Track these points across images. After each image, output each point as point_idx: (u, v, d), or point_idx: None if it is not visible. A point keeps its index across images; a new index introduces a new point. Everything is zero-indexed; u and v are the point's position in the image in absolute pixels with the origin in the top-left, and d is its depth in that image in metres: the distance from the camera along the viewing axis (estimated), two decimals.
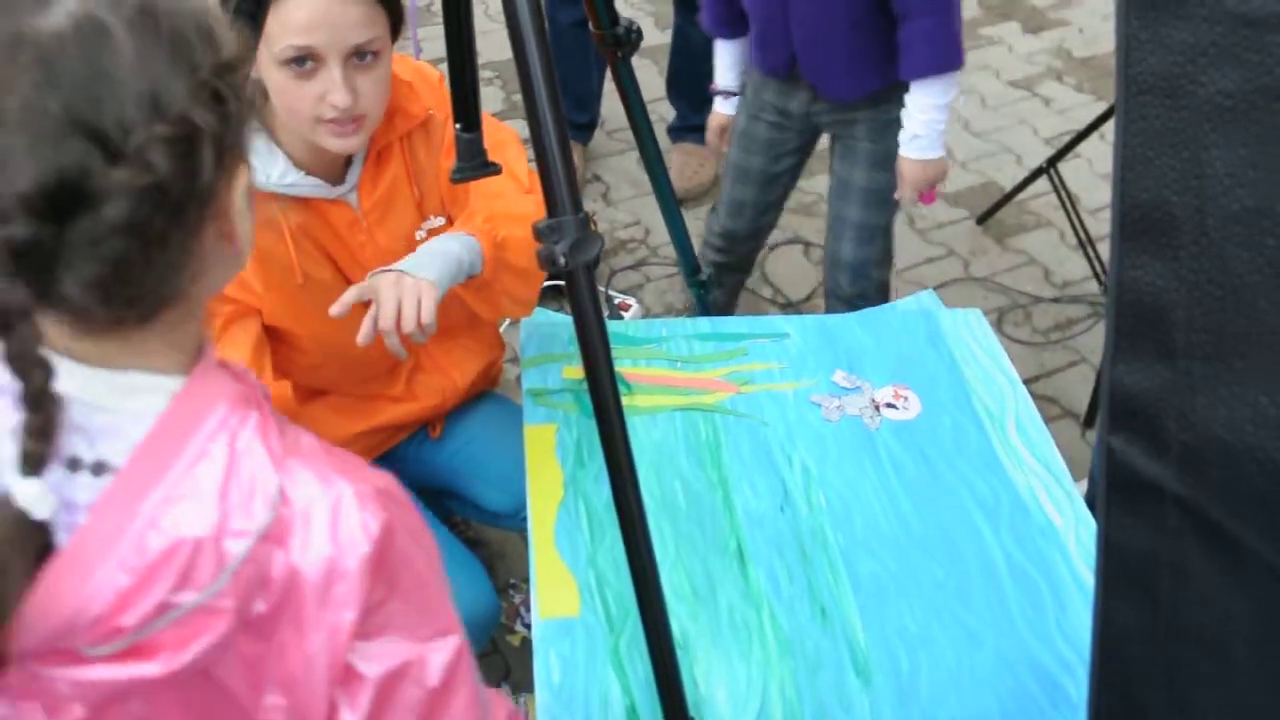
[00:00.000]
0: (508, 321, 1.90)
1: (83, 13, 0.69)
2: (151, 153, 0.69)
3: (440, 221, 1.62)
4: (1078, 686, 1.33)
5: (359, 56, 1.39)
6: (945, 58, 2.07)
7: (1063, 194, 2.93)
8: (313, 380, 1.69)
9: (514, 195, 1.53)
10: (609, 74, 1.58)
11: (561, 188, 1.04)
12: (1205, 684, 0.57)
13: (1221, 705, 0.56)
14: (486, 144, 1.36)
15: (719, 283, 2.41)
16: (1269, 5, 0.46)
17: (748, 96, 2.29)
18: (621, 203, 3.28)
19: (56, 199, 0.67)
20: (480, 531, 2.26)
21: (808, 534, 1.50)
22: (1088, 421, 2.58)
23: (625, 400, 1.68)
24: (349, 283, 1.50)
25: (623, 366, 1.74)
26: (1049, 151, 3.22)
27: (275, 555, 0.76)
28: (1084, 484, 2.29)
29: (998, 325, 2.83)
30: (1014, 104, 3.80)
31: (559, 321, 1.82)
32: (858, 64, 2.09)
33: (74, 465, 0.75)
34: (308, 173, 1.49)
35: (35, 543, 0.72)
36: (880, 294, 2.34)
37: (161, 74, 0.70)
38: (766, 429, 1.65)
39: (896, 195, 2.18)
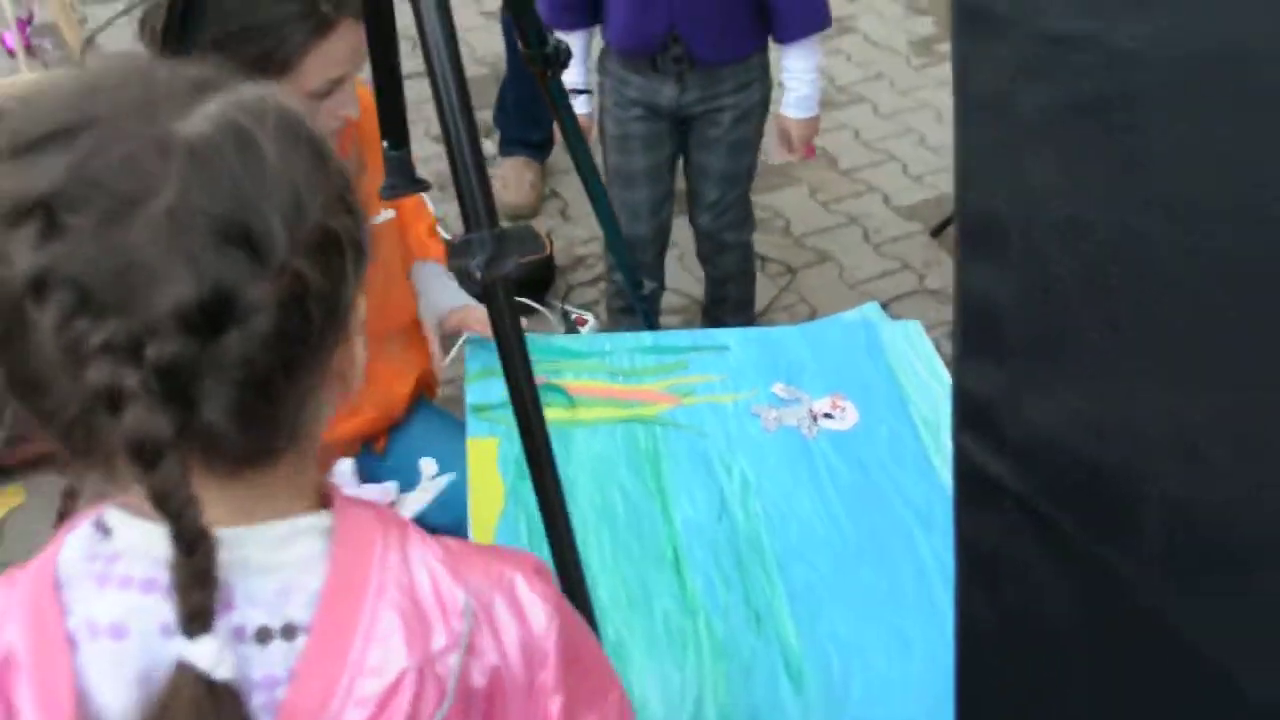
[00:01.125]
0: (461, 339, 1.94)
1: (227, 119, 0.65)
2: (300, 261, 0.64)
3: (390, 214, 1.69)
4: None
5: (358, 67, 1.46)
6: (816, 17, 2.24)
7: None
8: None
9: None
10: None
11: (477, 202, 1.06)
12: (1049, 676, 0.59)
13: (1062, 697, 0.59)
14: None
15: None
16: (1072, 24, 0.49)
17: (607, 98, 2.35)
18: (580, 219, 3.30)
19: (211, 312, 0.61)
20: None
21: (744, 542, 1.52)
22: None
23: (567, 413, 1.72)
24: None
25: (565, 380, 1.77)
26: None
27: (474, 664, 0.73)
28: None
29: (950, 337, 2.88)
30: None
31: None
32: (733, 25, 2.21)
33: (263, 637, 0.69)
34: None
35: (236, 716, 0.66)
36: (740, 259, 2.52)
37: (305, 180, 0.66)
38: (706, 440, 1.67)
39: (785, 157, 2.36)
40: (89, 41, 1.35)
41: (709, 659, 1.38)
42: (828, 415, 1.72)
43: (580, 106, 2.35)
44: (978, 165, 0.56)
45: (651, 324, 2.20)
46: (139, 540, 0.69)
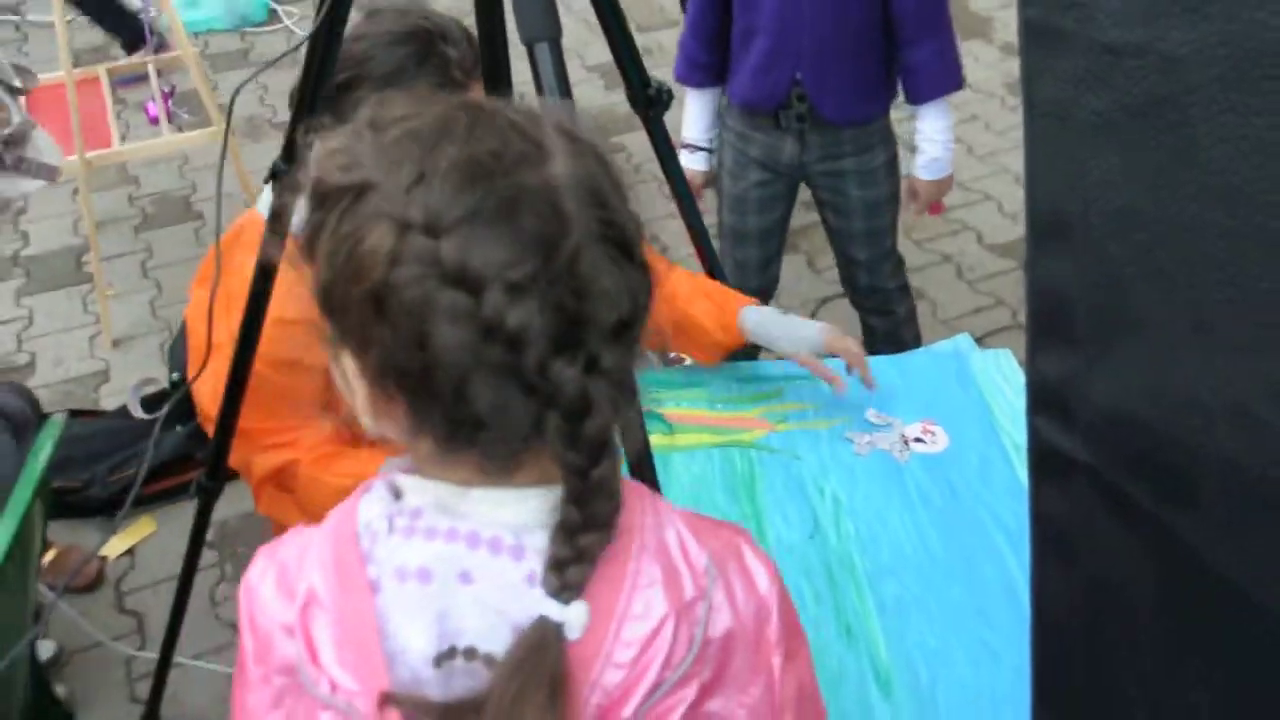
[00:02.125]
0: None
1: (574, 154, 0.75)
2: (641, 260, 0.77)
3: None
4: None
5: None
6: (953, 78, 2.22)
7: None
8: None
9: None
10: None
11: None
12: (1124, 645, 0.64)
13: (1138, 675, 0.63)
14: None
15: None
16: (1125, 35, 0.55)
17: (726, 155, 2.38)
18: (683, 263, 3.39)
19: (628, 321, 0.75)
20: None
21: (835, 560, 1.57)
22: None
23: (666, 440, 1.78)
24: None
25: (664, 408, 1.84)
26: None
27: (713, 617, 0.81)
28: None
29: None
30: None
31: None
32: (860, 84, 2.23)
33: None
34: None
35: None
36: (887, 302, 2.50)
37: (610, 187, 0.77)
38: (800, 463, 1.73)
39: (913, 215, 2.34)
40: (226, 108, 1.49)
41: None
42: (919, 440, 1.76)
43: (699, 163, 2.41)
44: (1043, 168, 0.62)
45: (753, 354, 2.26)
46: (436, 499, 0.79)
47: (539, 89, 1.15)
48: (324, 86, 1.34)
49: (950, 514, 1.64)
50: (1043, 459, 0.67)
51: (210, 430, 1.69)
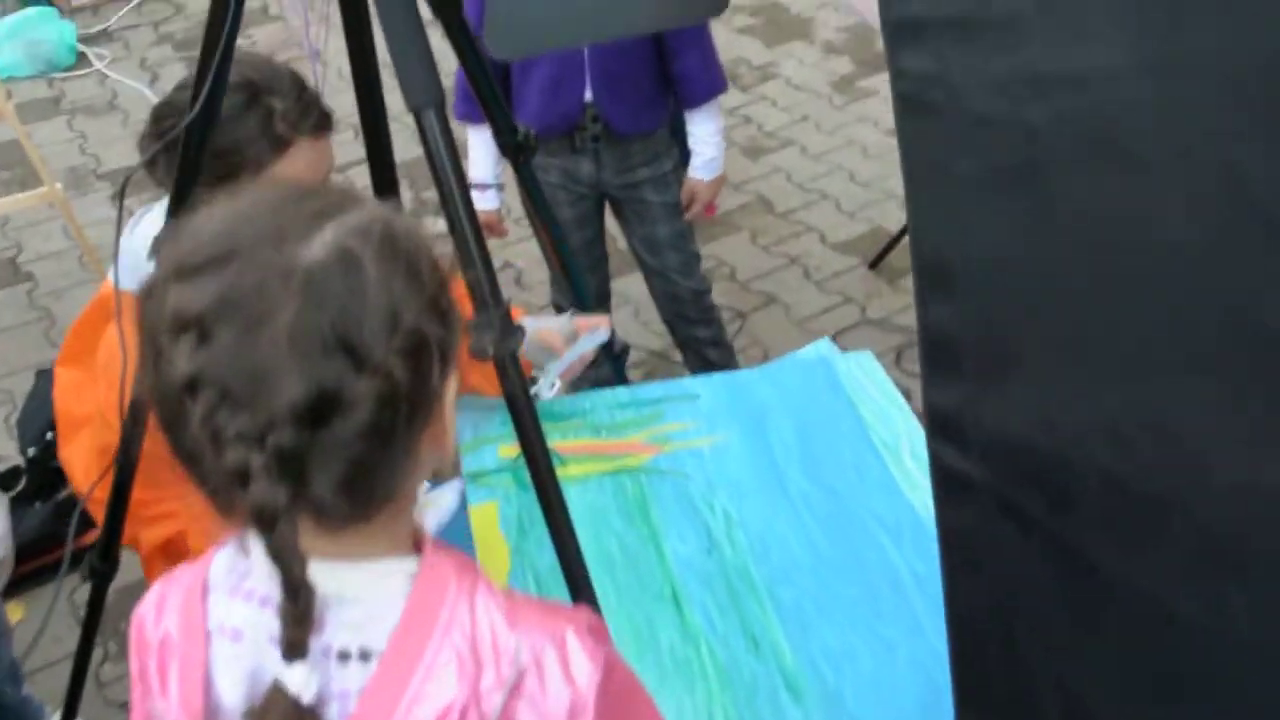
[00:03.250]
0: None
1: (339, 244, 0.77)
2: (392, 363, 0.77)
3: None
4: None
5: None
6: (718, 82, 2.44)
7: None
8: None
9: None
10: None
11: (483, 284, 1.19)
12: (1029, 640, 0.72)
13: (1044, 663, 0.71)
14: None
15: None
16: (990, 107, 0.62)
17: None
18: (534, 286, 3.44)
19: (317, 408, 0.74)
20: None
21: (734, 572, 1.64)
22: None
23: (558, 471, 1.82)
24: None
25: (553, 440, 1.88)
26: None
27: (519, 706, 0.83)
28: None
29: (897, 362, 3.03)
30: (893, 151, 4.04)
31: (488, 404, 1.95)
32: (644, 95, 2.40)
33: (344, 657, 0.82)
34: None
35: None
36: (708, 301, 2.68)
37: (400, 293, 0.78)
38: (688, 481, 1.79)
39: (689, 215, 2.50)
40: (121, 187, 1.49)
41: (715, 685, 1.49)
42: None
43: (490, 202, 2.48)
44: (925, 221, 0.69)
45: (623, 380, 2.32)
46: (264, 563, 0.82)
47: (427, 155, 1.18)
48: (199, 176, 1.35)
49: (834, 515, 1.73)
50: (944, 480, 0.74)
51: (91, 506, 1.67)
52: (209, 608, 0.86)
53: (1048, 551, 0.66)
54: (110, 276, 1.67)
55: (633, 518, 1.74)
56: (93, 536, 2.75)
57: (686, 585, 1.63)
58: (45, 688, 1.99)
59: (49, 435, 2.77)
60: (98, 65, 5.11)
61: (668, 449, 1.86)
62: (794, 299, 3.34)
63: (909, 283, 3.22)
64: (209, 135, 1.34)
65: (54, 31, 5.14)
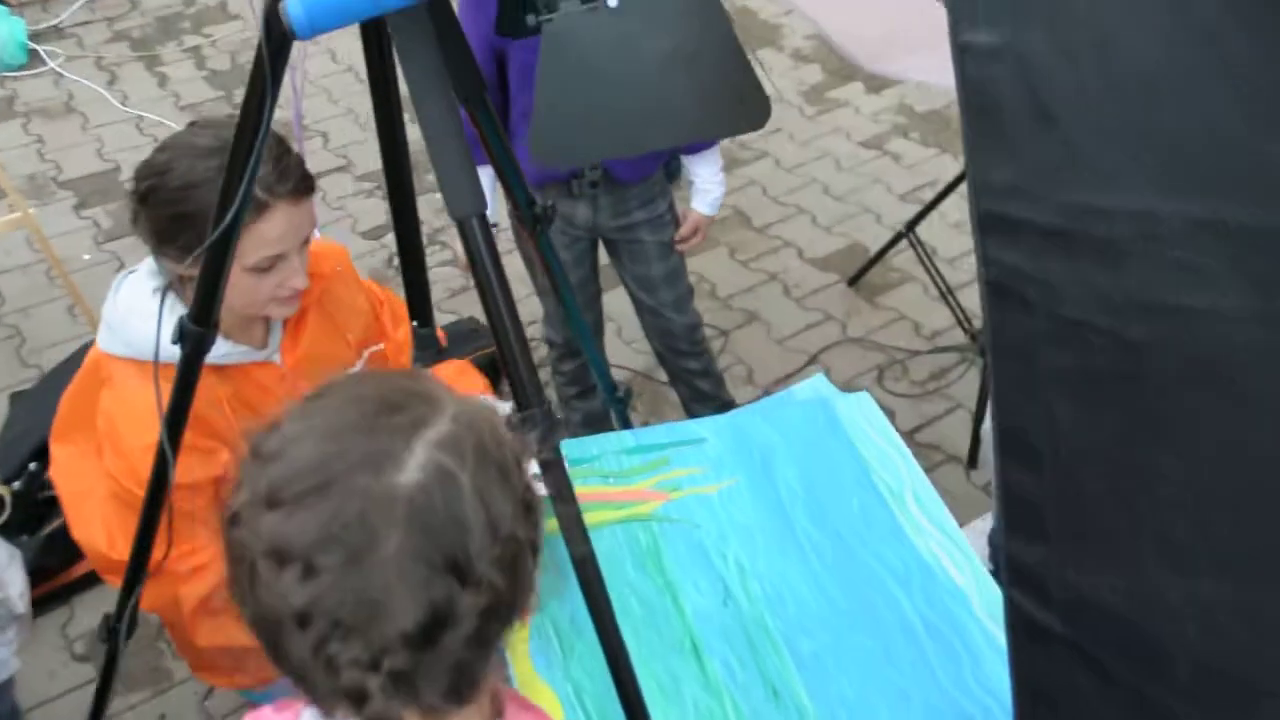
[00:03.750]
0: None
1: (435, 464, 0.79)
2: (493, 575, 0.79)
3: (379, 346, 1.83)
4: None
5: (305, 242, 1.58)
6: None
7: (922, 254, 3.22)
8: None
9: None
10: None
11: (526, 385, 1.23)
12: None
13: None
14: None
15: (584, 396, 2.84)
16: (1084, 316, 0.67)
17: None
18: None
19: (429, 630, 0.77)
20: None
21: (751, 623, 1.70)
22: (970, 462, 2.86)
23: None
24: None
25: None
26: (905, 208, 3.51)
27: None
28: (975, 523, 2.55)
29: (878, 381, 3.10)
30: (867, 164, 4.11)
31: None
32: None
33: None
34: (235, 342, 1.65)
35: None
36: (700, 334, 2.76)
37: (496, 503, 0.80)
38: (700, 531, 1.85)
39: (688, 245, 2.61)
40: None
41: None
42: None
43: None
44: (1009, 401, 0.75)
45: (626, 425, 2.37)
46: None
47: (470, 261, 1.22)
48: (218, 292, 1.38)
49: (843, 563, 1.79)
50: (1021, 627, 0.80)
51: (113, 578, 1.69)
52: None
53: (1132, 704, 0.72)
54: (98, 340, 1.67)
55: (647, 568, 1.79)
56: (82, 568, 2.77)
57: (706, 637, 1.69)
58: None
59: (32, 466, 2.76)
60: (51, 64, 4.99)
61: (676, 496, 1.92)
62: (775, 317, 3.39)
63: (888, 300, 3.30)
64: (227, 257, 1.37)
65: (3, 28, 4.98)
